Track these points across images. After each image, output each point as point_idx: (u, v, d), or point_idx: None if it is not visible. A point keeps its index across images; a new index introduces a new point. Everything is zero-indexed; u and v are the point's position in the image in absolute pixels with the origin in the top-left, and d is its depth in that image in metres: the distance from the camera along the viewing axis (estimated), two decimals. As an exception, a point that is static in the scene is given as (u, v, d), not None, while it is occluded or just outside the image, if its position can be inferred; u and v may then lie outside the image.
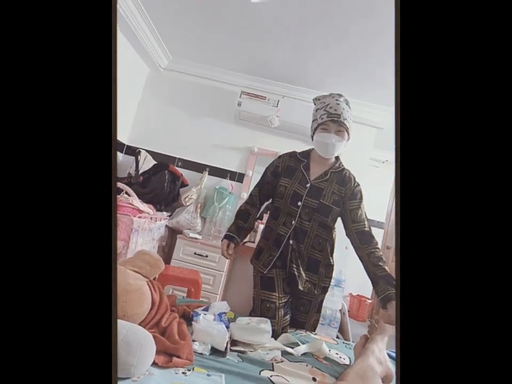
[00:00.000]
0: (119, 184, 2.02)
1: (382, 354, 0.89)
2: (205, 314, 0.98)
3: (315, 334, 1.19)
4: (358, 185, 1.27)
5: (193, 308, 1.07)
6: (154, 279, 0.96)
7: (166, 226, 2.41)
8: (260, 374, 0.78)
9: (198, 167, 2.66)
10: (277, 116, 2.43)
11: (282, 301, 1.22)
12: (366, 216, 1.24)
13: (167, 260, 2.29)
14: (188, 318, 0.98)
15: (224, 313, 1.02)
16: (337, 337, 2.10)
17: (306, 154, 1.34)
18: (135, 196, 2.01)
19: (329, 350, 1.00)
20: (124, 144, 2.66)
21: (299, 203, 1.23)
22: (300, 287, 1.22)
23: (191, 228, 2.41)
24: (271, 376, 0.78)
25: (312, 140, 1.29)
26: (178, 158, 2.68)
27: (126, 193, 1.99)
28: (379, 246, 1.19)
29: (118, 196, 1.90)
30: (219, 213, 2.44)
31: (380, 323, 1.01)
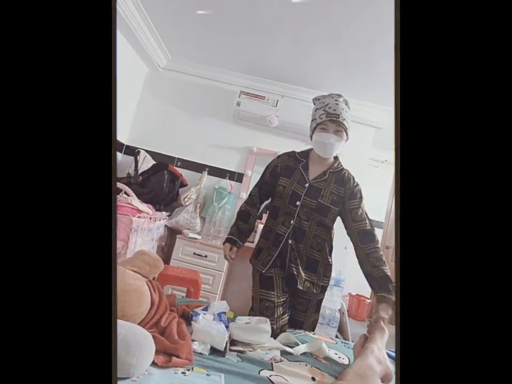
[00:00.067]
0: (118, 184, 2.01)
1: (381, 354, 0.89)
2: (204, 314, 0.98)
3: (314, 333, 1.19)
4: (358, 184, 1.27)
5: (192, 308, 1.07)
6: (153, 279, 0.96)
7: (165, 226, 2.41)
8: (259, 373, 0.78)
9: (197, 167, 2.66)
10: (276, 116, 2.43)
11: (281, 300, 1.22)
12: (367, 215, 1.24)
13: (167, 259, 2.29)
14: (187, 318, 0.98)
15: (224, 313, 1.02)
16: (337, 336, 2.11)
17: (305, 154, 1.34)
18: (134, 196, 2.01)
19: (329, 350, 1.01)
20: (123, 144, 2.65)
21: (298, 203, 1.23)
22: (299, 286, 1.22)
23: (191, 228, 2.41)
24: (270, 375, 0.78)
25: (311, 139, 1.29)
26: (178, 158, 2.68)
27: (125, 193, 1.99)
28: (379, 246, 1.19)
29: (117, 196, 1.90)
30: (218, 212, 2.44)
31: (379, 323, 1.02)
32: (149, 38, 2.32)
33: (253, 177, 2.63)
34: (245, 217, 1.39)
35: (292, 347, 0.97)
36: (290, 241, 1.23)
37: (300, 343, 1.02)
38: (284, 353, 0.94)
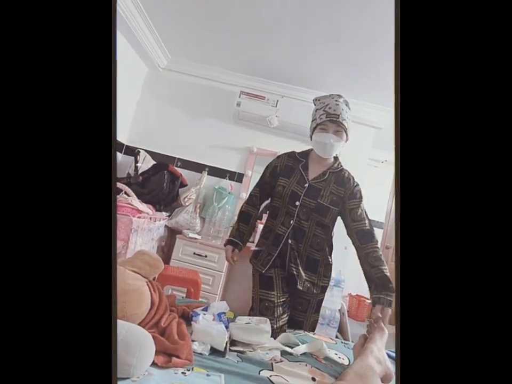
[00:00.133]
0: (118, 184, 2.01)
1: (381, 354, 0.89)
2: (204, 314, 0.98)
3: (314, 334, 1.19)
4: (357, 185, 1.28)
5: (192, 308, 1.07)
6: (153, 279, 0.96)
7: (165, 226, 2.41)
8: (259, 374, 0.78)
9: (197, 167, 2.66)
10: (276, 116, 2.43)
11: (281, 300, 1.22)
12: (367, 215, 1.24)
13: (166, 260, 2.29)
14: (187, 318, 0.98)
15: (224, 313, 1.02)
16: (337, 337, 2.11)
17: (305, 154, 1.34)
18: (134, 196, 2.01)
19: (329, 350, 1.00)
20: (123, 144, 2.65)
21: (297, 203, 1.23)
22: (299, 287, 1.22)
23: (190, 228, 2.41)
24: (270, 376, 0.78)
25: (311, 139, 1.29)
26: (178, 158, 2.67)
27: (125, 193, 1.99)
28: (379, 245, 1.19)
29: (117, 196, 1.90)
30: (218, 213, 2.44)
31: (379, 323, 1.02)
32: (149, 38, 2.32)
33: (253, 177, 2.63)
34: (246, 219, 1.39)
35: (292, 347, 0.97)
36: (290, 241, 1.23)
37: (300, 343, 1.02)
38: (284, 353, 0.94)
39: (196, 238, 2.26)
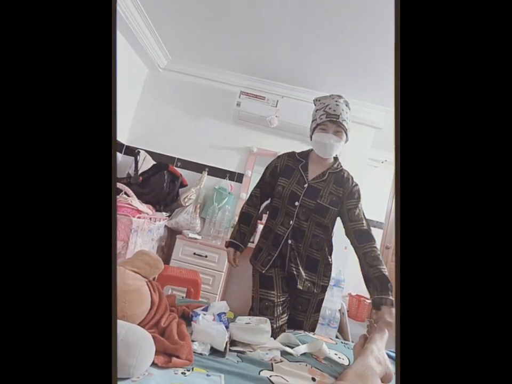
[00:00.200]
0: (118, 185, 2.01)
1: (381, 354, 0.89)
2: (204, 314, 0.98)
3: (314, 334, 1.19)
4: (356, 185, 1.28)
5: (192, 308, 1.07)
6: (153, 279, 0.96)
7: (165, 226, 2.41)
8: (259, 374, 0.78)
9: (197, 167, 2.66)
10: (276, 116, 2.43)
11: (281, 299, 1.23)
12: (364, 216, 1.24)
13: (167, 260, 2.29)
14: (187, 318, 0.98)
15: (224, 313, 1.02)
16: (337, 337, 2.11)
17: (305, 154, 1.34)
18: (134, 196, 2.01)
19: (329, 351, 1.00)
20: (123, 145, 2.65)
21: (296, 203, 1.23)
22: (299, 286, 1.22)
23: (191, 228, 2.41)
24: (270, 376, 0.78)
25: (311, 139, 1.29)
26: (178, 158, 2.68)
27: (125, 193, 1.99)
28: (377, 245, 1.19)
29: (117, 196, 1.90)
30: (218, 213, 2.44)
31: (378, 323, 1.02)
32: (149, 38, 2.32)
33: (253, 177, 2.63)
34: (247, 220, 1.40)
35: (292, 347, 0.97)
36: (290, 241, 1.24)
37: (300, 343, 1.02)
38: (284, 353, 0.94)
39: (196, 238, 2.26)
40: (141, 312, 0.84)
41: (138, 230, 1.86)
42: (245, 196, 2.60)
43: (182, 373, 0.72)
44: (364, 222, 1.22)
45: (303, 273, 1.24)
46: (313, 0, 1.61)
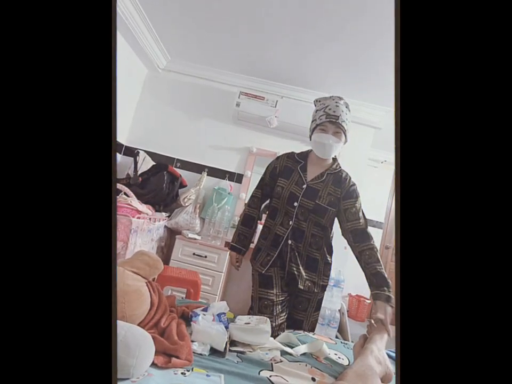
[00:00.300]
0: (118, 185, 2.01)
1: (381, 354, 0.89)
2: (204, 314, 0.98)
3: (313, 334, 1.19)
4: (354, 184, 1.28)
5: (192, 309, 1.07)
6: (153, 279, 0.96)
7: (165, 227, 2.41)
8: (259, 374, 0.78)
9: (197, 168, 2.66)
10: (276, 116, 2.43)
11: (280, 299, 1.23)
12: (363, 215, 1.24)
13: (166, 260, 2.29)
14: (187, 319, 0.98)
15: (223, 313, 1.02)
16: (336, 337, 2.11)
17: (304, 155, 1.35)
18: (134, 197, 2.01)
19: (329, 351, 1.00)
20: (123, 145, 2.65)
21: (295, 204, 1.24)
22: (300, 286, 1.23)
23: (190, 229, 2.40)
24: (270, 376, 0.78)
25: (311, 140, 1.30)
26: (177, 159, 2.67)
27: (125, 194, 1.99)
28: (374, 244, 1.19)
29: (117, 197, 1.90)
30: (218, 213, 2.44)
31: (378, 323, 1.02)
32: (148, 38, 2.32)
33: (253, 178, 2.63)
34: (249, 222, 1.41)
35: (292, 347, 0.97)
36: (290, 242, 1.24)
37: (300, 343, 1.02)
38: (283, 353, 0.94)
39: (195, 239, 2.26)
40: (141, 312, 0.84)
41: (137, 230, 1.86)
42: (244, 196, 2.60)
43: (182, 373, 0.72)
44: (361, 220, 1.22)
45: (304, 273, 1.24)
46: (313, 0, 1.62)
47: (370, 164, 3.34)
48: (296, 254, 1.24)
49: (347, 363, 0.97)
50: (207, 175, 2.62)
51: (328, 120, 1.20)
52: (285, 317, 1.25)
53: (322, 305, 1.33)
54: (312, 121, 1.29)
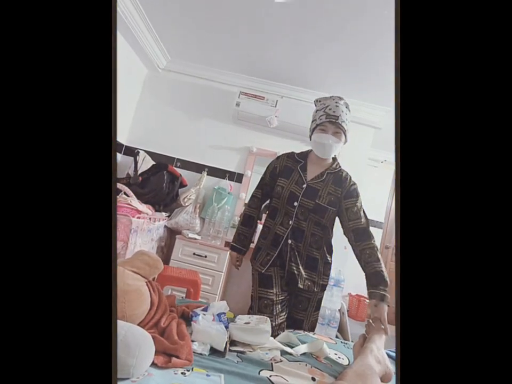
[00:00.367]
0: (118, 185, 2.01)
1: (381, 353, 0.89)
2: (204, 314, 0.98)
3: (314, 334, 1.19)
4: (354, 184, 1.28)
5: (192, 308, 1.07)
6: (153, 279, 0.96)
7: (165, 226, 2.41)
8: (259, 374, 0.78)
9: (197, 168, 2.65)
10: (276, 116, 2.43)
11: (280, 298, 1.24)
12: (365, 214, 1.24)
13: (166, 260, 2.29)
14: (187, 318, 0.98)
15: (224, 313, 1.02)
16: (336, 336, 2.11)
17: (304, 155, 1.35)
18: (134, 197, 2.01)
19: (329, 351, 1.00)
20: (123, 145, 2.65)
21: (295, 203, 1.24)
22: (300, 285, 1.23)
23: (190, 228, 2.40)
24: (270, 376, 0.78)
25: (311, 140, 1.30)
26: (177, 159, 2.67)
27: (125, 193, 1.99)
28: (375, 243, 1.19)
29: (117, 197, 1.90)
30: (218, 213, 2.44)
31: (377, 322, 1.02)
32: (148, 38, 2.32)
33: (253, 177, 2.63)
34: (249, 222, 1.41)
35: (292, 347, 0.97)
36: (290, 242, 1.24)
37: (300, 343, 1.02)
38: (283, 353, 0.94)
39: (195, 238, 2.26)
40: (141, 312, 0.84)
41: (137, 230, 1.86)
42: (244, 196, 2.60)
43: (182, 373, 0.72)
44: (363, 220, 1.22)
45: (304, 273, 1.24)
46: (313, 0, 1.61)
47: (370, 164, 3.34)
48: (296, 253, 1.24)
49: (347, 363, 0.97)
50: (207, 174, 2.62)
51: (328, 120, 1.20)
52: (285, 316, 1.25)
53: (322, 304, 1.33)
54: (312, 121, 1.29)
